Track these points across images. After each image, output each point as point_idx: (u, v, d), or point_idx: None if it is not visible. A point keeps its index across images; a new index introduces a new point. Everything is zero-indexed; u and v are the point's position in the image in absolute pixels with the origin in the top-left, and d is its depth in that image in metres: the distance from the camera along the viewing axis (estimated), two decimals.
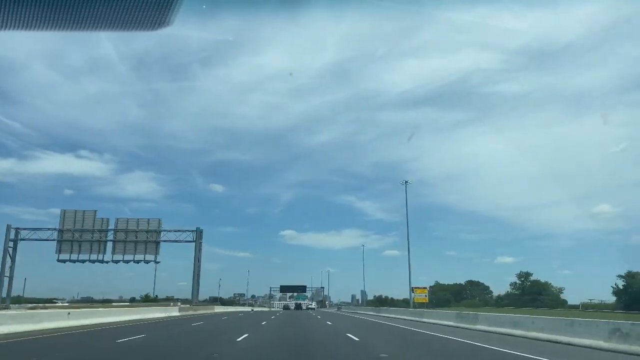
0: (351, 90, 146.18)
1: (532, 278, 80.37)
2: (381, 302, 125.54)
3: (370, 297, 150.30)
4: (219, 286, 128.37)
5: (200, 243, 45.83)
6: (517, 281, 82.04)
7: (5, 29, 1.73)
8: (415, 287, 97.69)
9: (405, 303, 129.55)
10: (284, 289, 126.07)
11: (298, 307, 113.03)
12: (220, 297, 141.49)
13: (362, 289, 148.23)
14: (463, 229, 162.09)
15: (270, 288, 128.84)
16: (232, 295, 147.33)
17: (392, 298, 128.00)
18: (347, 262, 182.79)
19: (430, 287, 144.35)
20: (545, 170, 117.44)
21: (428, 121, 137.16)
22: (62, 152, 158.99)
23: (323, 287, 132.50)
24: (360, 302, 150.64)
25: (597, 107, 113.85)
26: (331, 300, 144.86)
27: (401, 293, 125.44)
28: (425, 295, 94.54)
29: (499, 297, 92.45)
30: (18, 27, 1.69)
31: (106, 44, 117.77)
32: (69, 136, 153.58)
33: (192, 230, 47.09)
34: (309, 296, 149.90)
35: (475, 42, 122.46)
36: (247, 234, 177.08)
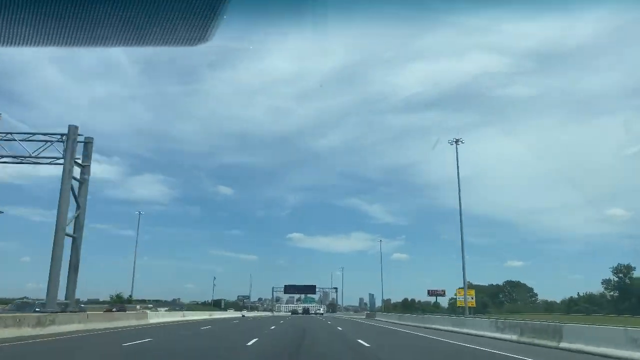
0: (359, 94, 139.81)
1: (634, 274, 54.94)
2: (407, 306, 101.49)
3: (378, 302, 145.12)
4: (214, 286, 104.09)
5: (86, 167, 20.13)
6: (613, 278, 56.63)
7: (49, 44, 1.66)
8: (459, 288, 73.04)
9: (435, 307, 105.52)
10: (289, 289, 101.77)
11: (305, 312, 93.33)
12: (218, 300, 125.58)
13: (379, 292, 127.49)
14: (472, 233, 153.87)
15: (273, 288, 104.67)
16: (237, 298, 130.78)
17: (419, 301, 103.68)
18: (355, 265, 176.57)
19: (459, 289, 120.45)
20: (555, 173, 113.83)
21: (436, 124, 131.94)
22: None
23: (336, 288, 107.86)
24: (368, 305, 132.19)
25: (608, 110, 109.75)
26: (339, 303, 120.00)
27: (413, 296, 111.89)
28: (472, 298, 69.89)
29: (571, 300, 67.02)
30: (60, 43, 1.64)
31: (115, 47, 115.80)
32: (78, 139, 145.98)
33: (57, 136, 19.44)
34: (316, 299, 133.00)
35: (484, 45, 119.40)
36: (255, 237, 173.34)
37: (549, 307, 78.47)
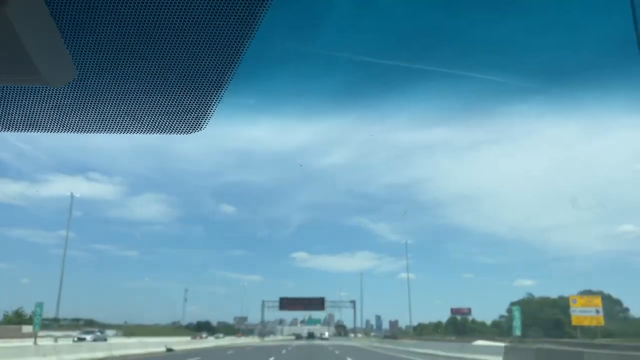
0: (362, 111, 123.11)
1: None
2: (457, 327, 70.37)
3: (385, 324, 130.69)
4: (185, 300, 72.54)
5: None
6: None
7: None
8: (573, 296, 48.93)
9: (495, 327, 74.04)
10: (286, 304, 70.05)
11: (310, 336, 76.81)
12: (205, 322, 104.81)
13: (386, 314, 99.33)
14: (480, 252, 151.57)
15: (263, 302, 72.96)
16: (233, 320, 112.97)
17: (473, 319, 72.51)
18: (358, 286, 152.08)
19: (513, 303, 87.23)
20: (565, 190, 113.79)
21: (442, 141, 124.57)
22: (73, 175, 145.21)
23: (354, 302, 76.47)
24: (374, 327, 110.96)
25: (617, 126, 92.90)
26: (357, 325, 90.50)
27: (426, 316, 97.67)
28: (598, 311, 37.91)
29: None
30: (54, 130, 1.71)
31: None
32: (79, 158, 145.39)
33: None
34: (322, 320, 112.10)
35: (491, 62, 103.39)
36: (258, 256, 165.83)
37: None
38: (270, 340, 75.04)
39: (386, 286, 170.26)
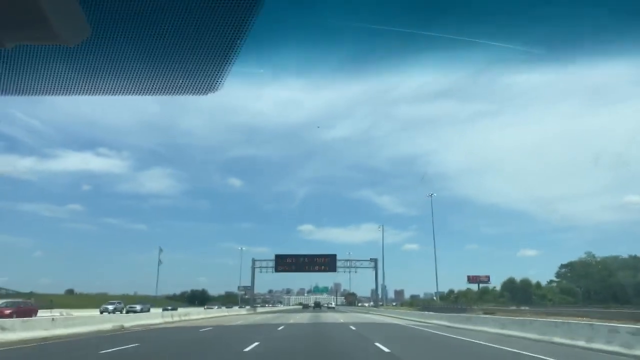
0: (367, 85, 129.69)
1: None
2: (516, 294, 52.64)
3: (390, 293, 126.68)
4: (159, 263, 55.50)
5: None
6: None
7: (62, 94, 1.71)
8: None
9: (567, 294, 56.02)
10: (282, 262, 52.48)
11: (317, 305, 65.06)
12: (199, 291, 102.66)
13: (391, 283, 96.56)
14: (483, 223, 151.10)
15: (254, 261, 56.03)
16: (237, 289, 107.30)
17: (538, 282, 54.67)
18: (365, 256, 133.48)
19: (563, 265, 68.41)
20: (568, 161, 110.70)
21: (446, 114, 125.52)
22: (82, 150, 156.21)
23: (375, 260, 59.39)
24: (380, 297, 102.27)
25: (621, 97, 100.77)
26: (380, 292, 78.12)
27: (428, 287, 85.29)
28: None
29: None
30: (74, 93, 1.72)
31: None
32: (88, 134, 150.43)
33: None
34: (329, 288, 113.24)
35: (493, 32, 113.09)
36: (265, 229, 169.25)
37: None
38: (264, 311, 58.43)
39: (390, 257, 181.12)
